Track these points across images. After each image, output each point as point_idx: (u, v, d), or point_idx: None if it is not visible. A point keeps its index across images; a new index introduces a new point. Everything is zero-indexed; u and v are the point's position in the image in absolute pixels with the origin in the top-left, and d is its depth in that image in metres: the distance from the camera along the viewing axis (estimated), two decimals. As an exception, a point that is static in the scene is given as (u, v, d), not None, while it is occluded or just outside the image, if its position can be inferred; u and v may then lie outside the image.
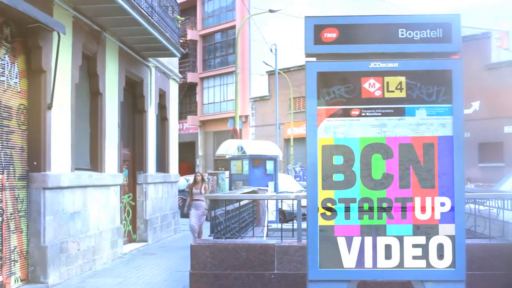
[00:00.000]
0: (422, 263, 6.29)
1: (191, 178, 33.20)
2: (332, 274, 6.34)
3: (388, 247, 6.32)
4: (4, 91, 10.20)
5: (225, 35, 56.85)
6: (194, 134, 58.00)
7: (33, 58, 11.00)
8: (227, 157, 25.73)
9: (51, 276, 11.02)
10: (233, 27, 53.25)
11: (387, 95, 6.47)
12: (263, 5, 40.89)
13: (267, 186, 21.42)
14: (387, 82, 6.47)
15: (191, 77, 57.23)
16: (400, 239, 6.31)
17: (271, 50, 41.70)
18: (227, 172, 25.60)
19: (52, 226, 11.19)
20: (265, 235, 12.77)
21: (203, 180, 16.43)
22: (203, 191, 16.03)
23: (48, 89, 11.15)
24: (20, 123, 10.74)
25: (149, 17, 14.41)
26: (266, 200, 15.44)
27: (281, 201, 18.41)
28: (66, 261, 11.66)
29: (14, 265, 10.36)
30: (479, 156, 33.60)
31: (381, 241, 6.33)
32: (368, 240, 6.33)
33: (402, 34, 6.47)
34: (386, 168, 6.37)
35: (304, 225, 7.17)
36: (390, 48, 6.53)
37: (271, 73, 48.88)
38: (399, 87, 6.45)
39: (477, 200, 10.13)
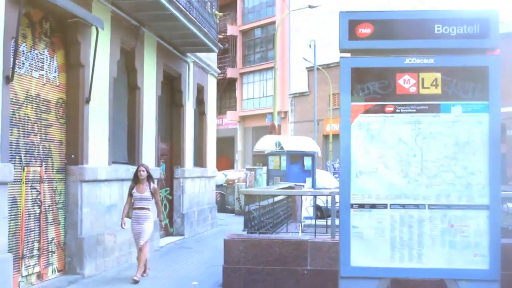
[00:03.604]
0: (456, 262, 6.21)
1: (229, 172, 33.33)
2: (364, 271, 6.30)
3: (421, 245, 6.25)
4: (43, 85, 10.34)
5: (265, 30, 56.83)
6: (233, 129, 58.10)
7: (72, 53, 11.13)
8: (265, 152, 25.72)
9: (87, 267, 11.16)
10: (273, 22, 53.16)
11: (422, 91, 6.40)
12: (303, 1, 40.68)
13: (305, 182, 21.36)
14: (422, 79, 6.40)
15: (230, 73, 57.36)
16: (434, 237, 6.25)
17: (309, 46, 41.53)
18: (265, 168, 25.59)
19: (89, 218, 11.33)
20: (300, 231, 12.74)
21: (150, 177, 11.54)
22: (148, 194, 11.37)
23: (86, 83, 11.28)
24: (59, 117, 10.89)
25: (187, 12, 14.45)
26: (301, 196, 15.26)
27: (316, 198, 18.27)
28: (102, 253, 11.80)
29: (51, 256, 10.52)
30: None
31: (414, 238, 6.27)
32: (401, 237, 6.28)
33: (439, 30, 6.38)
34: (420, 165, 6.30)
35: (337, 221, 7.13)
36: (426, 44, 6.45)
37: (310, 69, 48.65)
38: (434, 83, 6.37)
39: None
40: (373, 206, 6.34)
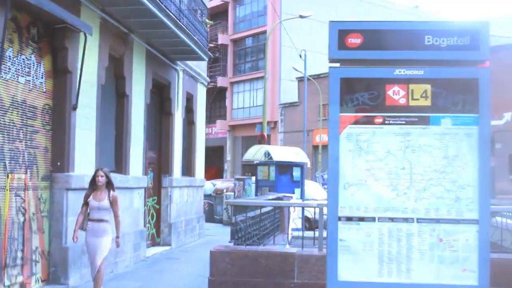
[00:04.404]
0: (445, 277, 6.10)
1: (218, 182, 33.21)
2: (352, 285, 6.17)
3: (409, 259, 6.14)
4: (30, 91, 10.22)
5: (256, 40, 56.81)
6: (223, 138, 58.00)
7: (59, 59, 11.02)
8: (254, 162, 25.62)
9: (72, 277, 11.02)
10: (264, 32, 53.15)
11: (411, 103, 6.28)
12: (294, 11, 40.67)
13: (294, 193, 21.27)
14: (412, 90, 6.29)
15: (221, 82, 57.26)
16: (423, 251, 6.14)
17: (300, 56, 41.54)
18: (254, 178, 25.49)
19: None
20: (287, 242, 12.63)
21: (110, 184, 9.95)
22: (107, 204, 9.79)
23: (74, 89, 11.17)
24: (45, 123, 10.76)
25: (177, 20, 14.37)
26: (289, 208, 15.11)
27: (304, 209, 18.13)
28: (87, 262, 11.61)
29: (35, 266, 10.37)
30: (510, 167, 33.03)
31: (403, 253, 6.16)
32: (389, 251, 6.17)
33: (429, 41, 6.28)
34: (409, 177, 6.20)
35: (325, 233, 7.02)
36: (416, 55, 6.34)
37: (301, 79, 48.67)
38: (424, 95, 6.27)
39: (505, 213, 9.89)
40: (361, 219, 6.21)
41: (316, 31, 47.52)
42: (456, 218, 6.11)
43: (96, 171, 9.93)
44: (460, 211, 6.11)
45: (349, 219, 6.22)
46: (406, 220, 6.17)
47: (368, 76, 6.38)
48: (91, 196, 9.77)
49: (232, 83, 58.31)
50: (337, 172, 6.26)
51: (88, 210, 9.78)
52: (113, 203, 9.81)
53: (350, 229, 6.22)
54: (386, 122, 6.29)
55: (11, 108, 9.68)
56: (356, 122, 6.33)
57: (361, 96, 6.34)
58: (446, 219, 6.13)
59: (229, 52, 58.76)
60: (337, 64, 6.50)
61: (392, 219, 6.18)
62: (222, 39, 57.59)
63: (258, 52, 56.49)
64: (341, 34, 6.39)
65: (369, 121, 6.31)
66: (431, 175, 6.18)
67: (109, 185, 9.88)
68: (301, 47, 43.35)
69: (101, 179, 9.75)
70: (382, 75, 6.34)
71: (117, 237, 10.11)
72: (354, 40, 6.38)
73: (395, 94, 6.30)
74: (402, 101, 6.29)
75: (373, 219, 6.20)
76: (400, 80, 6.28)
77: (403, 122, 6.27)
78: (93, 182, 9.85)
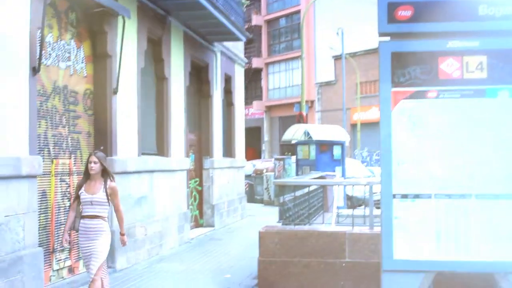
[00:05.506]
0: (504, 254, 5.90)
1: (257, 162, 33.08)
2: (408, 264, 6.01)
3: (467, 237, 5.94)
4: (70, 76, 10.18)
5: (290, 20, 56.45)
6: (260, 119, 57.87)
7: (98, 43, 10.96)
8: (293, 142, 25.44)
9: (118, 261, 11.03)
10: (298, 11, 52.82)
11: (466, 75, 6.07)
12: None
13: (334, 171, 21.06)
14: (467, 62, 6.07)
15: (256, 63, 57.05)
16: (481, 228, 5.94)
17: (337, 33, 41.12)
18: (293, 157, 25.32)
19: (119, 211, 11.14)
20: (333, 221, 12.48)
21: (106, 172, 7.94)
22: (102, 196, 7.80)
23: (114, 74, 11.11)
24: (87, 108, 10.72)
25: (214, 1, 14.21)
26: (335, 186, 14.89)
27: (345, 187, 17.90)
28: (133, 245, 11.63)
29: (82, 250, 10.36)
30: None
31: (461, 230, 5.96)
32: (447, 229, 5.98)
33: (483, 11, 6.05)
34: (465, 152, 5.99)
35: (377, 211, 6.86)
36: (469, 26, 6.11)
37: (336, 58, 48.29)
38: (479, 67, 6.04)
39: None
40: (416, 196, 6.04)
41: (350, 8, 47.04)
42: (522, 193, 5.88)
43: (88, 156, 8.00)
44: (519, 185, 5.90)
45: (404, 196, 6.05)
46: (463, 196, 5.98)
47: (420, 50, 6.18)
48: (83, 188, 7.83)
49: (267, 64, 58.08)
50: (390, 149, 6.09)
51: (81, 205, 7.86)
52: (111, 195, 7.86)
53: (405, 207, 6.06)
54: (440, 96, 6.09)
55: (53, 94, 9.65)
56: (409, 97, 6.14)
57: (413, 70, 6.14)
58: (504, 194, 5.93)
59: (263, 33, 58.49)
60: (387, 38, 6.30)
61: (449, 196, 5.99)
62: (256, 20, 57.31)
63: (292, 32, 56.17)
64: (390, 7, 6.20)
65: (422, 95, 6.12)
66: (488, 150, 5.97)
67: (106, 173, 7.91)
68: (335, 25, 42.94)
69: (94, 167, 7.77)
70: (434, 48, 6.14)
71: (122, 234, 8.21)
72: (405, 13, 6.18)
73: (449, 67, 6.09)
74: (456, 74, 6.08)
75: (429, 196, 6.03)
76: (454, 52, 6.08)
77: (458, 96, 6.07)
78: (86, 170, 7.96)
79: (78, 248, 8.39)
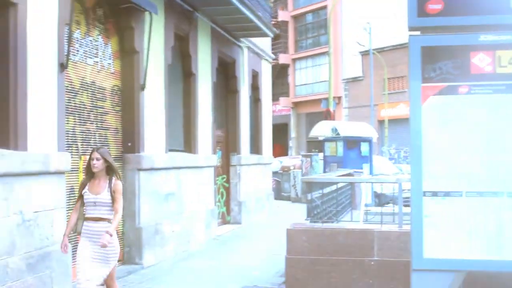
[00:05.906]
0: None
1: (284, 159, 33.00)
2: (438, 263, 5.89)
3: (500, 235, 5.81)
4: (98, 72, 10.20)
5: (317, 15, 56.23)
6: (286, 116, 57.71)
7: (126, 39, 10.97)
8: (320, 138, 25.31)
9: (146, 257, 11.03)
10: (324, 7, 52.57)
11: (498, 70, 5.92)
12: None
13: (362, 168, 20.90)
14: (499, 56, 5.92)
15: (283, 59, 56.90)
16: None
17: (365, 29, 40.86)
18: (320, 154, 25.20)
19: (147, 207, 11.17)
20: (361, 219, 12.35)
21: (111, 169, 7.14)
22: (107, 196, 7.01)
23: (141, 70, 11.11)
24: (114, 104, 10.74)
25: (241, -4, 14.17)
26: (363, 183, 14.75)
27: (373, 184, 17.70)
28: (161, 242, 11.64)
29: (109, 246, 10.37)
30: None
31: (493, 228, 5.83)
32: (478, 227, 5.86)
33: (516, 3, 5.92)
34: (497, 149, 5.86)
35: (405, 209, 6.74)
36: (502, 19, 5.97)
37: (364, 54, 48.01)
38: (512, 61, 5.92)
39: None
40: (447, 193, 5.92)
41: (377, 3, 46.69)
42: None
43: (91, 152, 7.21)
44: (554, 183, 5.75)
45: (434, 194, 5.93)
46: (495, 194, 5.84)
47: (451, 44, 6.04)
48: (86, 187, 7.12)
49: (294, 60, 57.91)
50: (420, 146, 5.97)
51: (85, 205, 7.13)
52: (115, 193, 7.03)
53: (435, 204, 5.93)
54: (472, 91, 5.95)
55: (81, 90, 9.67)
56: (439, 92, 6.01)
57: (444, 65, 6.01)
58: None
59: (290, 29, 58.33)
60: (417, 32, 6.18)
61: (480, 193, 5.86)
62: (282, 15, 57.18)
63: (319, 28, 55.92)
64: (420, 0, 6.07)
65: (453, 91, 5.98)
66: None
67: (110, 170, 7.14)
68: (362, 21, 42.67)
69: (97, 163, 7.02)
70: (466, 42, 5.99)
71: (107, 231, 6.82)
72: (435, 6, 6.06)
73: (481, 61, 5.95)
74: (488, 68, 5.94)
75: (460, 194, 5.90)
76: (486, 46, 5.93)
77: (490, 91, 5.92)
78: (87, 168, 7.19)
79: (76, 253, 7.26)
